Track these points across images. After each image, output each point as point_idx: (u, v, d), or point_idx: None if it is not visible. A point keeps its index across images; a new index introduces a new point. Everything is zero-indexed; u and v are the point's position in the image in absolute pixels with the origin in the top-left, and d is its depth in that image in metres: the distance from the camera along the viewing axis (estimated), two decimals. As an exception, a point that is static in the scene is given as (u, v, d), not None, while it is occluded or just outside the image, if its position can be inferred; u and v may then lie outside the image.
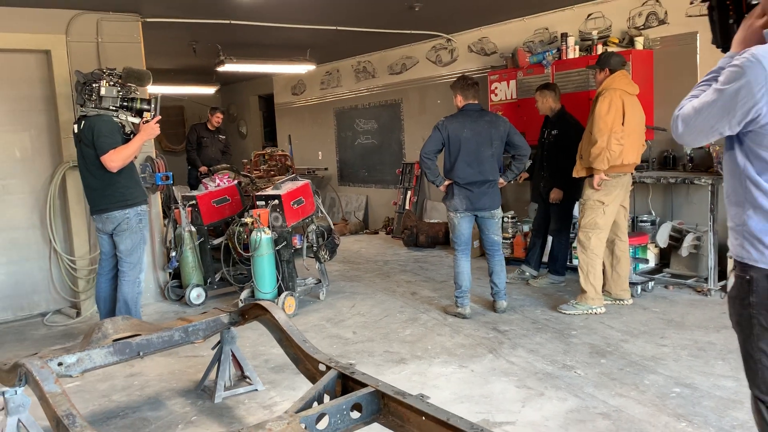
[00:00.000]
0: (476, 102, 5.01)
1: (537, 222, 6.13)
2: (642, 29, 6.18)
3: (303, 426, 2.25)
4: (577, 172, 5.06)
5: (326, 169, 11.05)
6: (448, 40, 8.36)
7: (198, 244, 5.90)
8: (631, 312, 4.97)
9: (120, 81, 4.63)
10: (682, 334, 4.40)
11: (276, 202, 5.25)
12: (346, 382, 2.68)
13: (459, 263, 5.02)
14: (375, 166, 10.11)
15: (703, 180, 5.20)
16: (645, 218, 6.05)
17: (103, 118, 4.51)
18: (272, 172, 8.25)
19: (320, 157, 11.29)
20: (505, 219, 6.89)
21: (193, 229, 5.87)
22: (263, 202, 5.33)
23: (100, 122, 4.48)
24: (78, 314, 5.69)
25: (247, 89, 13.18)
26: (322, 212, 5.74)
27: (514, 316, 5.02)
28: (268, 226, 5.23)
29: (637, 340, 4.34)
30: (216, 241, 5.95)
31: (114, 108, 4.59)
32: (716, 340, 4.25)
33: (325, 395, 2.63)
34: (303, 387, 3.77)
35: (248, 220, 5.23)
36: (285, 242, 5.30)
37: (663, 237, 5.61)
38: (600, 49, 6.24)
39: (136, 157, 4.74)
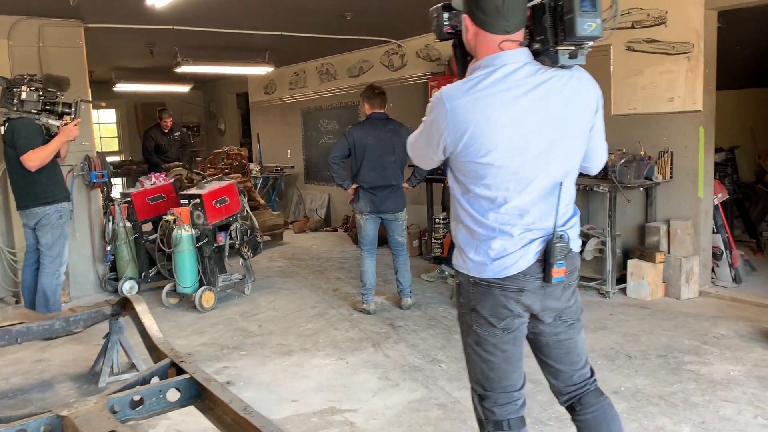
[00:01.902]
0: (382, 111, 5.30)
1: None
2: (564, 40, 6.40)
3: (110, 407, 2.54)
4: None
5: (293, 167, 11.35)
6: (399, 45, 8.63)
7: (133, 239, 6.22)
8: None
9: (41, 86, 4.94)
10: (559, 334, 4.65)
11: (197, 201, 5.55)
12: (180, 371, 2.98)
13: (364, 262, 5.31)
14: (336, 166, 10.38)
15: (601, 187, 5.45)
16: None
17: (23, 121, 4.84)
18: (227, 170, 8.55)
19: (289, 156, 11.59)
20: (437, 220, 7.16)
21: (129, 224, 6.19)
22: (186, 201, 5.63)
23: (20, 125, 4.81)
24: (17, 302, 6.03)
25: (225, 87, 13.51)
26: (247, 211, 6.04)
27: (416, 313, 5.30)
28: (190, 224, 5.54)
29: (515, 338, 4.60)
30: (151, 237, 6.27)
31: (36, 111, 4.90)
32: (589, 340, 4.49)
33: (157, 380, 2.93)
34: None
35: (170, 218, 5.54)
36: (206, 239, 5.61)
37: (570, 241, 5.86)
38: (524, 58, 6.48)
39: (57, 157, 5.03)
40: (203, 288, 5.52)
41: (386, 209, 5.24)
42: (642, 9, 5.66)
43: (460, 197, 2.08)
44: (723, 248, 5.79)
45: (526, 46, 1.98)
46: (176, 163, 8.26)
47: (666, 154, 5.63)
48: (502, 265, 2.01)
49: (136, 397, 2.68)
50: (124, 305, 3.85)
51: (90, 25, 6.35)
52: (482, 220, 2.02)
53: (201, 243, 5.58)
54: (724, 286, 5.71)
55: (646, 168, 5.47)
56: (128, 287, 6.12)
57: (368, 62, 9.33)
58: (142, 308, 3.44)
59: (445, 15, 2.12)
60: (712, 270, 5.90)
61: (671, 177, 5.62)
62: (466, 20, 2.00)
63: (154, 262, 6.24)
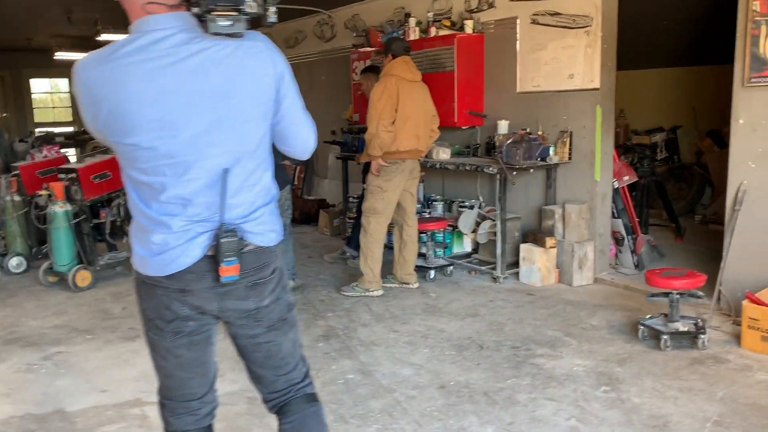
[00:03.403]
0: None
1: (359, 204, 6.17)
2: (475, 12, 6.11)
3: None
4: (363, 158, 5.08)
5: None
6: (329, 15, 8.31)
7: (22, 213, 5.99)
8: (407, 296, 5.03)
9: None
10: (426, 321, 4.45)
11: (73, 175, 5.32)
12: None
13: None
14: (275, 140, 10.12)
15: (491, 168, 5.20)
16: (466, 204, 6.06)
17: None
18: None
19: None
20: (351, 199, 6.93)
21: (17, 198, 5.96)
22: (63, 175, 5.40)
23: None
24: None
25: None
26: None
27: (296, 297, 5.10)
28: (65, 200, 5.31)
29: (378, 325, 4.41)
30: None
31: None
32: (450, 329, 4.31)
33: None
34: (12, 358, 3.91)
35: (44, 193, 5.32)
36: (84, 216, 5.39)
37: (465, 223, 5.64)
38: (434, 31, 6.20)
39: None
40: (78, 267, 5.32)
41: None
42: (544, -21, 5.37)
43: (127, 183, 1.85)
44: (624, 234, 5.56)
45: (187, 11, 1.72)
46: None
47: (565, 135, 5.37)
48: (163, 261, 1.79)
49: None
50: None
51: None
52: (145, 210, 1.79)
53: (78, 219, 5.36)
54: (625, 273, 5.50)
55: (539, 149, 5.22)
56: (15, 263, 5.92)
57: (302, 32, 9.02)
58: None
59: None
60: (616, 256, 5.69)
61: (570, 158, 5.37)
62: None
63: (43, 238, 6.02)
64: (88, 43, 10.47)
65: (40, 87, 13.43)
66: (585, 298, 4.92)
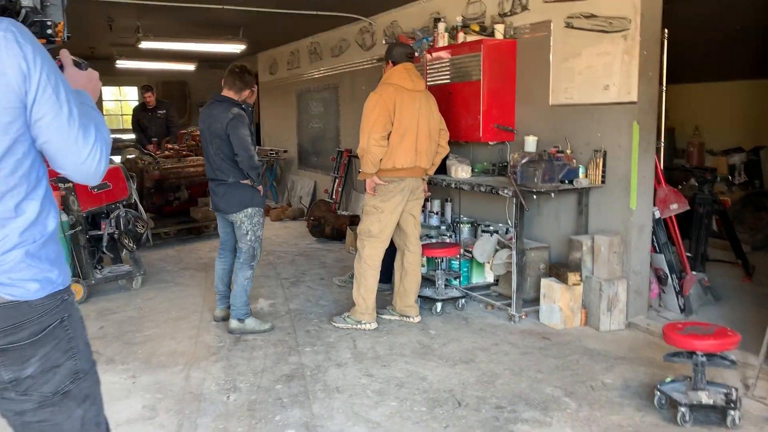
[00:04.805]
0: (227, 94, 4.40)
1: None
2: (507, 16, 5.49)
3: None
4: (360, 176, 4.58)
5: (285, 151, 10.86)
6: (370, 23, 7.89)
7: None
8: (402, 332, 4.47)
9: None
10: (410, 365, 3.88)
11: (70, 185, 5.15)
12: None
13: (216, 263, 4.71)
14: (321, 152, 9.82)
15: (506, 191, 4.56)
16: (491, 229, 5.42)
17: None
18: (184, 152, 8.15)
19: (287, 139, 11.12)
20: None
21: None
22: (62, 184, 5.24)
23: None
24: None
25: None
26: (135, 199, 5.58)
27: (285, 325, 4.66)
28: (62, 210, 5.14)
29: (354, 366, 3.88)
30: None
31: None
32: (434, 377, 3.72)
33: None
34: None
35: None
36: (81, 227, 5.20)
37: (482, 251, 5.01)
38: (461, 37, 5.63)
39: None
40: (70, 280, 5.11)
41: (217, 207, 4.47)
42: (579, -24, 4.69)
43: None
44: (668, 271, 4.75)
45: None
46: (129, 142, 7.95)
47: (598, 154, 4.64)
48: None
49: None
50: None
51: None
52: None
53: (75, 230, 5.18)
54: (666, 318, 4.69)
55: (563, 170, 4.53)
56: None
57: (346, 41, 8.64)
58: None
59: None
60: (659, 297, 4.88)
61: (603, 182, 4.64)
62: None
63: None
64: (142, 52, 10.60)
65: (108, 94, 13.82)
66: (609, 347, 4.18)
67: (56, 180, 5.24)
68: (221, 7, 7.02)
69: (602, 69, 4.60)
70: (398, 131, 4.29)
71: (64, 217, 5.16)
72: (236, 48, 8.89)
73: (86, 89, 1.64)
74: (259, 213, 4.45)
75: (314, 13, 7.52)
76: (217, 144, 4.31)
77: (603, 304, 4.47)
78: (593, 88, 4.69)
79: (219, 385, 3.63)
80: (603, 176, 4.63)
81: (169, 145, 8.53)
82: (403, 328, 4.57)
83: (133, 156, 7.81)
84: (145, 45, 8.06)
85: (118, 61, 10.93)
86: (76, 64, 1.67)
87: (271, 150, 10.95)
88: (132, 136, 12.13)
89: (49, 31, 1.61)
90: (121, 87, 13.33)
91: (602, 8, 4.56)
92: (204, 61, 12.65)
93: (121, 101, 13.45)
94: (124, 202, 5.49)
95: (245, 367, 3.88)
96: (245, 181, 4.36)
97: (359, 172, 4.77)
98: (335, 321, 4.62)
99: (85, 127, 1.48)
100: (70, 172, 1.52)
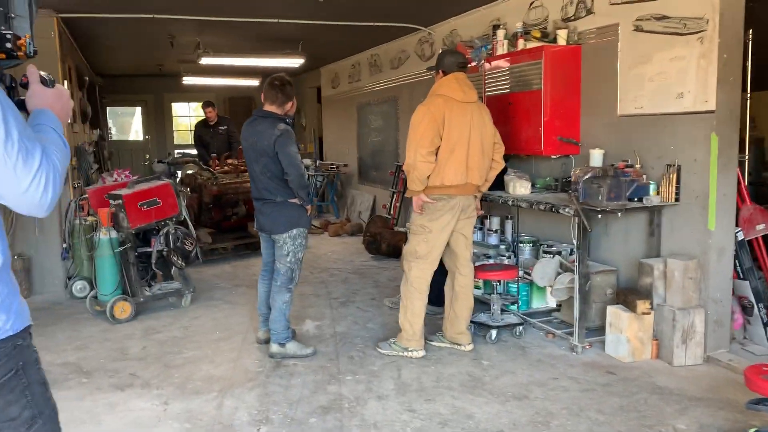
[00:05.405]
0: (270, 108, 4.26)
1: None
2: (571, 21, 5.11)
3: None
4: (408, 193, 4.30)
5: (346, 165, 10.72)
6: (429, 33, 7.64)
7: (90, 237, 5.94)
8: (452, 362, 4.15)
9: None
10: (457, 401, 3.56)
11: (119, 201, 5.12)
12: None
13: (258, 285, 4.53)
14: (380, 166, 9.61)
15: (566, 209, 4.17)
16: (554, 249, 5.02)
17: None
18: (242, 167, 8.11)
19: (348, 153, 10.99)
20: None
21: (87, 221, 5.90)
22: (112, 201, 5.23)
23: None
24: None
25: (304, 81, 13.21)
26: (185, 216, 5.51)
27: (328, 349, 4.44)
28: (111, 227, 5.12)
29: (396, 399, 3.59)
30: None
31: None
32: (482, 415, 3.38)
33: None
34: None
35: (91, 219, 5.17)
36: (130, 244, 5.17)
37: (542, 274, 4.63)
38: (521, 44, 5.29)
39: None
40: (118, 297, 5.08)
41: (261, 227, 4.29)
42: (649, -26, 4.28)
43: None
44: (754, 300, 4.23)
45: None
46: (187, 158, 7.99)
47: (672, 169, 4.20)
48: None
49: None
50: None
51: (62, 15, 6.17)
52: None
53: (125, 247, 5.15)
54: (752, 353, 4.17)
55: (632, 186, 4.11)
56: (79, 287, 5.85)
57: (405, 52, 8.42)
58: None
59: None
60: (743, 328, 4.37)
61: (677, 200, 4.19)
62: None
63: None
64: (206, 68, 10.73)
65: (180, 110, 14.14)
66: (683, 384, 3.72)
67: (110, 196, 5.24)
68: (277, 21, 6.96)
69: (675, 75, 4.17)
70: (447, 146, 4.01)
71: (114, 234, 5.15)
72: (295, 62, 8.82)
73: (53, 107, 1.47)
74: (303, 234, 4.25)
75: (371, 24, 7.34)
76: (264, 162, 4.12)
77: (677, 336, 4.01)
78: (666, 96, 4.25)
79: (251, 415, 3.42)
80: (677, 193, 4.17)
81: (229, 161, 8.53)
82: (453, 357, 4.25)
83: (192, 171, 7.84)
84: (205, 61, 8.10)
85: (184, 78, 11.10)
86: (43, 81, 1.50)
87: (332, 164, 10.84)
88: (194, 151, 12.32)
89: (8, 45, 1.43)
90: (189, 103, 13.62)
91: (676, 8, 4.13)
92: (268, 75, 12.69)
93: (190, 117, 13.73)
94: (174, 219, 5.42)
95: (281, 395, 3.66)
96: (294, 200, 4.17)
97: (406, 189, 4.49)
98: (380, 347, 4.35)
99: (27, 151, 1.28)
100: (11, 203, 1.32)
